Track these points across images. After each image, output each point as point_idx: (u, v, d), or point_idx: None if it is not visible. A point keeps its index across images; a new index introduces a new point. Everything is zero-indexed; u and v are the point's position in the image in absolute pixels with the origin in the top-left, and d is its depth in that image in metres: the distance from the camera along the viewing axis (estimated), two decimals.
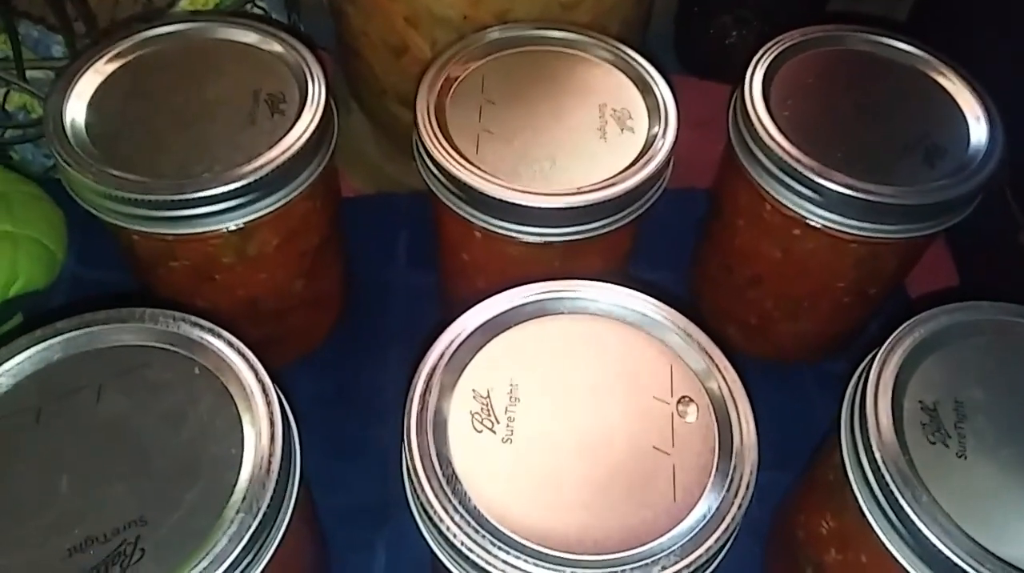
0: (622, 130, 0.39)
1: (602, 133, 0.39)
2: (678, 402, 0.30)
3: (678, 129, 0.39)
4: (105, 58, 0.38)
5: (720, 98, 0.44)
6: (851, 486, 0.30)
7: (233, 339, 0.29)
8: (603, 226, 0.37)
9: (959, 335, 0.32)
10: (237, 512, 0.25)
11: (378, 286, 0.51)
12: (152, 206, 0.34)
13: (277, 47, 0.40)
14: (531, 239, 0.37)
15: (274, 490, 0.26)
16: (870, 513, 0.29)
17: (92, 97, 0.37)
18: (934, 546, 0.27)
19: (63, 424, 0.27)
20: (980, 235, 0.50)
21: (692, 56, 0.64)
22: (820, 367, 0.49)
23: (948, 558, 0.27)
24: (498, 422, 0.29)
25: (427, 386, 0.29)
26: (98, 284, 0.48)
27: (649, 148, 0.38)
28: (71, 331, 0.29)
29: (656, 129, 0.39)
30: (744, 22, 0.60)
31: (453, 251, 0.42)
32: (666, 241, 0.49)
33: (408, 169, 0.39)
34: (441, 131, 0.38)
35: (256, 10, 0.51)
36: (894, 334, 0.32)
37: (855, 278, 0.42)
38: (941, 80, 0.42)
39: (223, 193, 0.35)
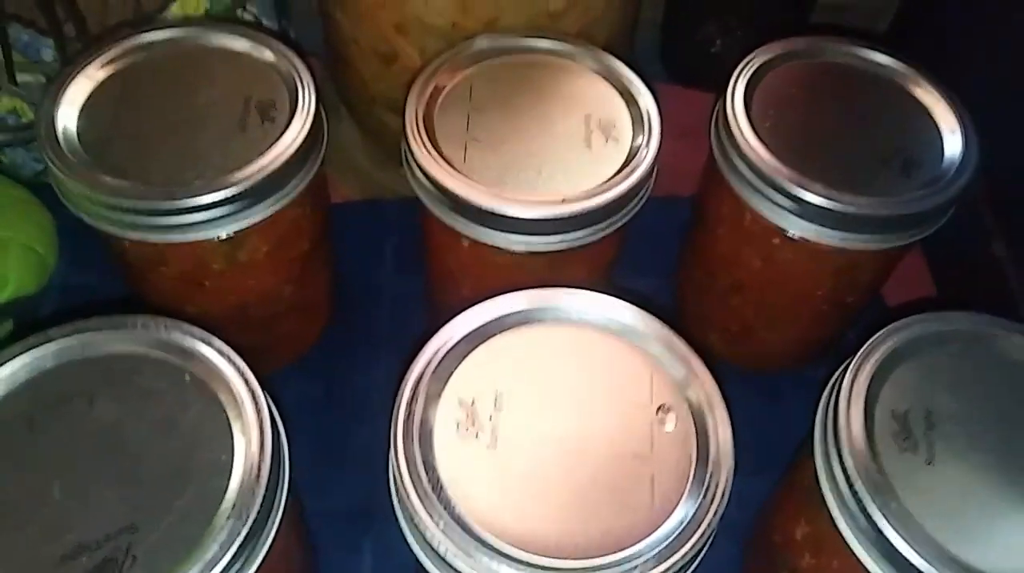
0: (607, 140, 0.40)
1: (587, 143, 0.40)
2: (657, 410, 0.31)
3: (661, 140, 0.39)
4: (96, 64, 0.39)
5: (705, 107, 0.44)
6: (823, 493, 0.31)
7: (224, 346, 0.30)
8: (588, 235, 0.38)
9: (931, 344, 0.33)
10: (227, 519, 0.26)
11: (367, 291, 0.51)
12: (143, 213, 0.35)
13: (267, 54, 0.40)
14: (517, 248, 0.38)
15: (264, 497, 0.26)
16: (841, 520, 0.30)
17: (84, 104, 0.38)
18: (901, 553, 0.28)
19: (56, 432, 0.28)
20: (956, 245, 0.51)
21: (678, 64, 0.65)
22: (800, 373, 0.50)
23: (915, 565, 0.28)
24: (483, 429, 0.30)
25: (413, 395, 0.30)
26: (89, 289, 0.48)
27: (633, 158, 0.39)
28: (63, 338, 0.29)
29: (640, 140, 0.40)
30: (729, 31, 0.61)
31: (440, 258, 0.42)
32: (651, 248, 0.50)
33: (397, 176, 0.40)
34: (429, 140, 0.39)
35: (246, 16, 0.52)
36: (867, 344, 0.33)
37: (833, 286, 0.43)
38: (919, 92, 0.42)
39: (214, 201, 0.35)
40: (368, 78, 0.50)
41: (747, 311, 0.46)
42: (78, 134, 0.37)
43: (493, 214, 0.36)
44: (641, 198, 0.40)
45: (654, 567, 0.27)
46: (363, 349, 0.49)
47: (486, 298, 0.33)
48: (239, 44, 0.41)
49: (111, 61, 0.39)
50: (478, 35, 0.43)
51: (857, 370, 0.32)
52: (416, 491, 0.27)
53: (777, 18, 0.61)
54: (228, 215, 0.36)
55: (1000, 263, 0.49)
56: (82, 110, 0.37)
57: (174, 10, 0.50)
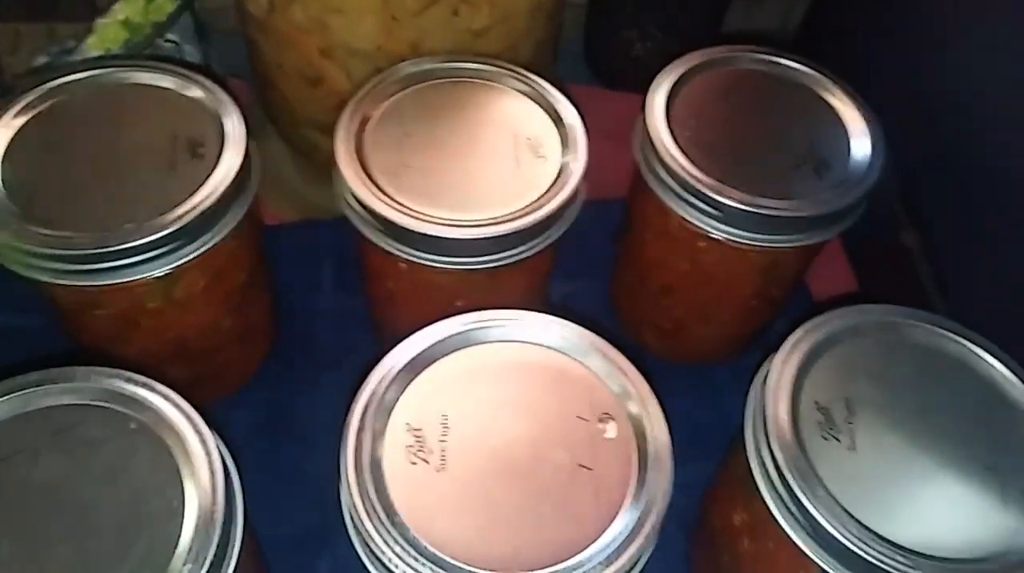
0: (535, 158, 0.41)
1: (517, 161, 0.41)
2: (599, 420, 0.32)
3: (588, 156, 0.41)
4: (14, 110, 0.38)
5: (631, 108, 0.45)
6: (756, 483, 0.33)
7: (168, 391, 0.30)
8: (522, 251, 0.39)
9: (848, 337, 0.35)
10: (183, 564, 0.26)
11: (309, 313, 0.51)
12: (74, 260, 0.34)
13: (192, 89, 0.40)
14: (453, 268, 0.39)
15: (219, 539, 0.27)
16: (773, 507, 0.32)
17: (4, 152, 0.37)
18: (831, 534, 0.30)
19: (1, 490, 0.27)
20: (870, 235, 0.54)
21: (601, 67, 0.67)
22: (735, 362, 0.52)
23: (844, 544, 0.30)
24: (432, 453, 0.30)
25: (361, 425, 0.30)
26: (21, 332, 0.47)
27: (561, 174, 0.40)
28: (4, 396, 0.29)
29: (567, 156, 0.41)
30: (648, 35, 0.63)
31: (378, 281, 0.43)
32: (586, 251, 0.51)
33: (330, 193, 0.40)
34: (360, 167, 0.39)
35: (167, 43, 0.51)
36: (788, 340, 0.35)
37: (760, 283, 0.45)
38: (828, 97, 0.45)
39: (146, 243, 0.35)
40: (293, 100, 0.50)
41: (678, 310, 0.48)
42: (1, 184, 0.36)
43: (428, 237, 0.37)
44: (573, 211, 0.41)
45: (602, 571, 0.28)
46: (308, 371, 0.49)
47: (427, 321, 0.34)
48: (161, 80, 0.40)
49: (29, 106, 0.38)
50: (404, 58, 0.44)
51: (782, 365, 0.34)
52: (370, 519, 0.28)
53: (694, 22, 0.63)
54: (162, 255, 0.36)
55: (910, 252, 0.52)
56: (3, 159, 0.37)
57: (91, 42, 0.49)
